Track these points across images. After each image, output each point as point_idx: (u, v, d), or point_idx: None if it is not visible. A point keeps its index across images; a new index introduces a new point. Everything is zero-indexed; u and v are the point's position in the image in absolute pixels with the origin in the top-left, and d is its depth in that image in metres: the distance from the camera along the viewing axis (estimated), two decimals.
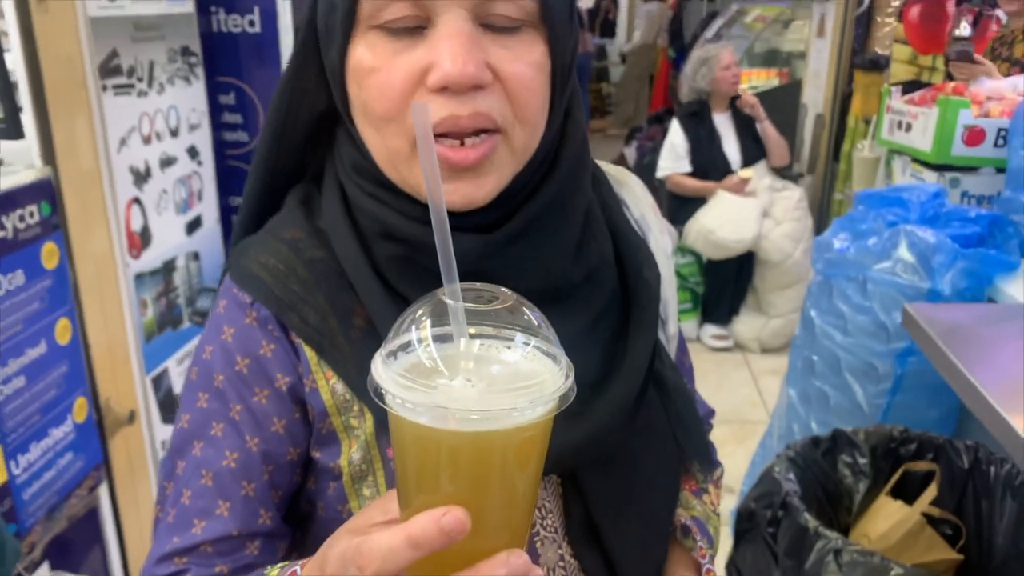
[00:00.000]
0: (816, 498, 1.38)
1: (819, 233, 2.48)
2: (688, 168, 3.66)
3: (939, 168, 2.43)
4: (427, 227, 0.48)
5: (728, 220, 3.55)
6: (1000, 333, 1.50)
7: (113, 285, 1.73)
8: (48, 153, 1.56)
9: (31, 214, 1.46)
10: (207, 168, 2.09)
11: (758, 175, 3.67)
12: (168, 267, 1.94)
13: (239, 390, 0.61)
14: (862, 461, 1.45)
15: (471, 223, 0.58)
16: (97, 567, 1.76)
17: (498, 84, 0.54)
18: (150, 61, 1.82)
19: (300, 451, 0.62)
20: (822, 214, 4.19)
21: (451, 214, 0.50)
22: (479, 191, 0.57)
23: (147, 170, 1.83)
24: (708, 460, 0.77)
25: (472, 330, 0.45)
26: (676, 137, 3.68)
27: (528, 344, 0.45)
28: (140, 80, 1.78)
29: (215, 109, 2.14)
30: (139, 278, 1.82)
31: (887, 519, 1.37)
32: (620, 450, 0.64)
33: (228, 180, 2.23)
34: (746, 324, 3.71)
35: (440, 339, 0.44)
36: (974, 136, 2.38)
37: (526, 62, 0.55)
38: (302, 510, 0.65)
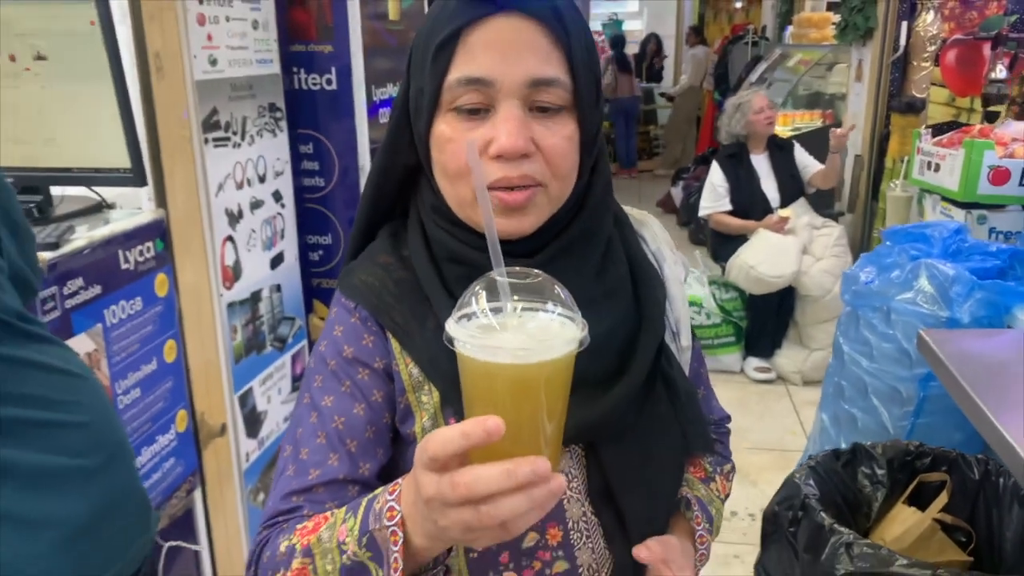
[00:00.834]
0: (835, 504, 1.52)
1: None
2: (728, 207, 3.83)
3: (966, 206, 2.56)
4: (484, 253, 0.67)
5: (768, 257, 3.69)
6: (1011, 356, 1.64)
7: (209, 312, 1.97)
8: (160, 197, 1.81)
9: (148, 249, 1.70)
10: (288, 210, 2.34)
11: (796, 213, 3.81)
12: (255, 297, 2.17)
13: (347, 371, 0.80)
14: (880, 472, 1.58)
15: (518, 250, 0.77)
16: (189, 564, 1.97)
17: (539, 153, 0.74)
18: (243, 116, 2.07)
19: (390, 418, 0.81)
20: (861, 251, 4.29)
21: (503, 242, 0.69)
22: (523, 224, 0.76)
23: (239, 212, 2.07)
24: (709, 450, 0.94)
25: (515, 298, 0.63)
26: (716, 177, 3.86)
27: (556, 309, 0.63)
28: (235, 133, 2.04)
29: (296, 158, 2.40)
30: (230, 307, 2.06)
31: (902, 524, 1.50)
32: (631, 431, 0.81)
33: (306, 221, 2.47)
34: (788, 357, 3.83)
35: (493, 308, 0.62)
36: (999, 176, 2.51)
37: (561, 136, 0.75)
38: (397, 468, 0.84)
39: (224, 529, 2.10)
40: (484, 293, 0.62)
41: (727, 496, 0.98)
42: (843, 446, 2.12)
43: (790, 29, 6.88)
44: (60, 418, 0.93)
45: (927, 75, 4.08)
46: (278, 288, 2.30)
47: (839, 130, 3.75)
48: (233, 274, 2.07)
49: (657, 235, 0.94)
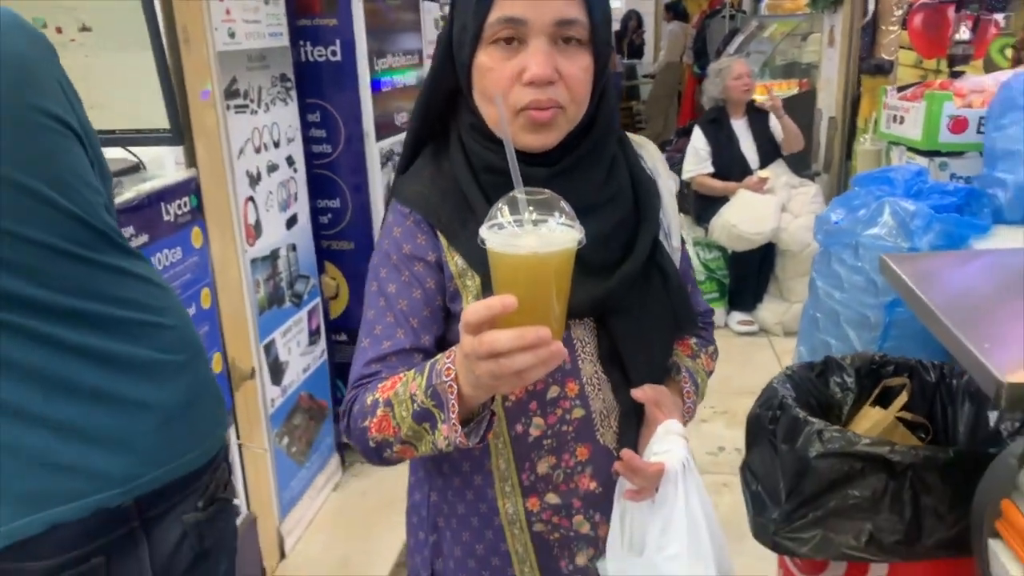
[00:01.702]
0: (810, 406, 1.71)
1: None
2: (710, 169, 4.02)
3: (929, 154, 2.76)
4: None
5: (749, 215, 3.89)
6: (962, 273, 1.84)
7: (235, 266, 2.14)
8: (191, 158, 1.98)
9: (185, 204, 1.87)
10: (300, 174, 2.51)
11: (775, 174, 4.01)
12: (274, 255, 2.35)
13: (406, 263, 0.98)
14: (849, 380, 1.78)
15: (543, 160, 0.95)
16: None
17: (562, 81, 0.91)
18: (259, 86, 2.24)
19: (442, 299, 0.99)
20: None
21: (531, 154, 0.88)
22: (548, 139, 0.94)
23: (258, 174, 2.24)
24: (695, 330, 1.14)
25: (531, 209, 0.80)
26: (698, 142, 4.04)
27: (560, 219, 0.80)
28: (252, 101, 2.20)
29: (305, 126, 2.56)
30: (253, 262, 2.23)
31: (869, 421, 1.70)
32: (632, 307, 0.99)
33: (315, 186, 2.64)
34: (769, 310, 4.04)
35: (515, 219, 0.80)
36: (958, 124, 2.71)
37: (579, 67, 0.92)
38: (446, 341, 1.02)
39: (254, 466, 2.28)
40: (507, 208, 0.80)
41: (711, 372, 1.17)
42: None
43: (765, 1, 7.06)
44: (155, 320, 1.10)
45: (895, 39, 4.27)
46: (293, 248, 2.47)
47: (771, 98, 3.99)
48: (255, 232, 2.24)
49: (653, 156, 1.12)
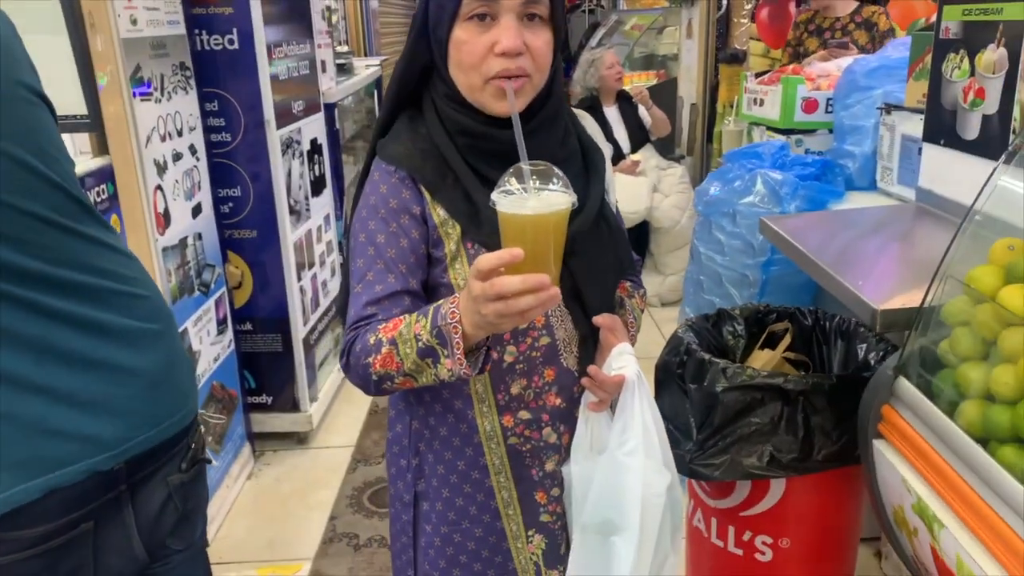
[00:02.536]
0: (711, 351, 1.93)
1: None
2: None
3: (786, 132, 3.08)
4: (487, 127, 1.01)
5: (624, 196, 4.11)
6: (827, 229, 2.12)
7: (148, 255, 2.13)
8: (103, 146, 1.96)
9: (104, 190, 1.86)
10: (203, 163, 2.50)
11: (645, 157, 4.30)
12: (183, 243, 2.34)
13: (394, 216, 1.08)
14: (739, 328, 2.01)
15: (510, 122, 1.09)
16: None
17: (528, 52, 1.04)
18: (161, 74, 2.23)
19: (426, 248, 1.10)
20: None
21: (501, 120, 1.01)
22: (517, 104, 1.06)
23: (165, 163, 2.23)
24: (632, 270, 1.32)
25: (533, 178, 0.94)
26: None
27: (557, 185, 0.95)
28: (156, 89, 2.19)
29: (204, 115, 2.55)
30: (164, 251, 2.22)
31: (759, 362, 1.93)
32: (589, 250, 1.14)
33: (216, 174, 2.64)
34: (647, 283, 4.29)
35: (522, 187, 0.94)
36: (810, 105, 3.04)
37: (543, 40, 1.05)
38: (427, 286, 1.13)
39: None
40: (514, 178, 0.95)
41: (643, 309, 1.36)
42: None
43: None
44: (131, 290, 1.14)
45: (746, 30, 4.66)
46: (199, 236, 2.47)
47: (636, 89, 4.31)
48: (164, 221, 2.23)
49: (591, 127, 1.28)
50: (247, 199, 2.73)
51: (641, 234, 4.31)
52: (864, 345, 1.86)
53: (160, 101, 2.21)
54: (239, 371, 2.78)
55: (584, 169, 1.18)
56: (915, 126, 2.23)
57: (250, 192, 2.72)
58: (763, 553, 1.75)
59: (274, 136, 2.66)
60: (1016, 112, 1.74)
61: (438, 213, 1.10)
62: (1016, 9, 1.70)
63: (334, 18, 4.90)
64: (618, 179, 4.18)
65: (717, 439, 1.70)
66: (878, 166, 2.55)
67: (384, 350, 1.02)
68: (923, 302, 1.34)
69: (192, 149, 2.43)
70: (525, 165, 0.95)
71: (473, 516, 1.21)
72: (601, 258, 1.17)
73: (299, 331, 2.93)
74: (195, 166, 2.45)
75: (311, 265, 3.11)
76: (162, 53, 2.24)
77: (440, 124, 1.10)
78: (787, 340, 1.96)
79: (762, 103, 3.21)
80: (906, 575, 1.58)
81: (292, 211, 2.86)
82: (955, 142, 1.97)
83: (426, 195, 1.10)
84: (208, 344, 2.52)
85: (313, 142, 3.13)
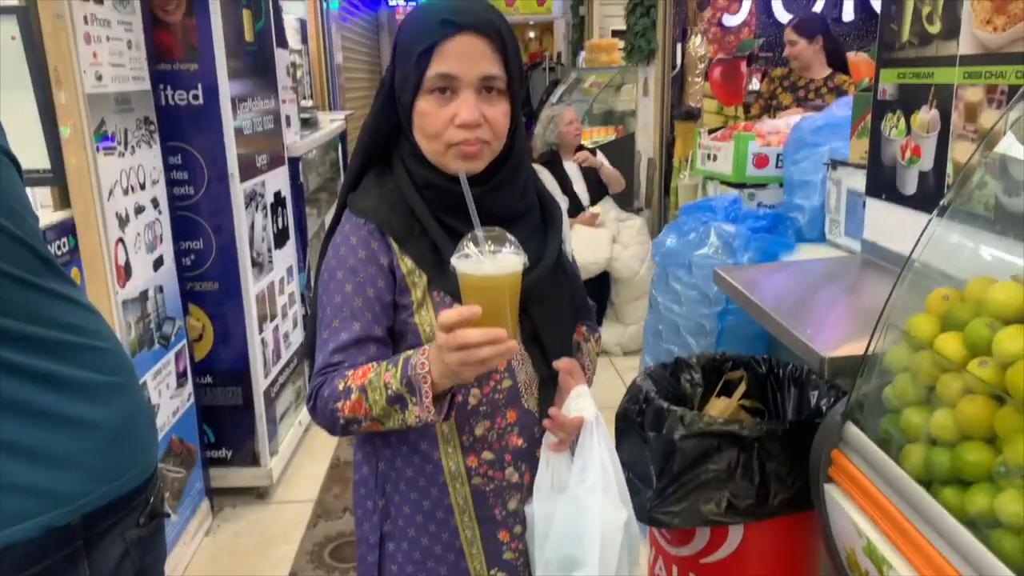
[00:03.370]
0: (669, 399, 1.97)
1: None
2: None
3: (738, 186, 3.18)
4: (451, 183, 1.07)
5: (585, 247, 4.22)
6: (777, 279, 2.19)
7: (108, 308, 2.13)
8: (65, 200, 1.97)
9: (64, 244, 1.86)
10: (165, 216, 2.51)
11: (605, 209, 4.39)
12: (143, 296, 2.33)
13: (362, 266, 1.13)
14: (696, 376, 2.05)
15: (474, 181, 1.12)
16: None
17: (486, 123, 1.10)
18: (124, 128, 2.25)
19: (392, 297, 1.14)
20: None
21: (466, 177, 1.06)
22: (476, 166, 1.12)
23: (127, 216, 2.24)
24: (588, 315, 1.37)
25: (488, 243, 1.00)
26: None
27: (510, 249, 1.01)
28: (120, 143, 2.21)
29: (167, 168, 2.57)
30: (124, 304, 2.22)
31: (716, 409, 1.97)
32: (547, 297, 1.19)
33: (178, 226, 2.64)
34: (608, 333, 4.38)
35: (479, 250, 1.00)
36: (761, 160, 3.15)
37: (500, 112, 1.12)
38: (394, 331, 1.17)
39: None
40: (471, 243, 1.01)
41: (599, 352, 1.41)
42: None
43: (583, 54, 7.64)
44: (92, 343, 1.15)
45: (700, 88, 4.83)
46: (160, 289, 2.46)
47: (580, 154, 4.40)
48: (125, 274, 2.23)
49: (548, 181, 1.34)
50: (209, 251, 2.74)
51: (602, 284, 4.38)
52: (816, 392, 1.92)
53: (123, 155, 2.23)
54: (198, 425, 2.75)
55: (542, 222, 1.24)
56: (859, 180, 2.33)
57: (212, 244, 2.73)
58: None
59: (237, 189, 2.69)
60: (950, 168, 1.84)
61: (405, 263, 1.14)
62: (946, 73, 1.81)
63: (299, 73, 4.98)
64: (579, 231, 4.26)
65: (676, 486, 1.73)
66: (826, 219, 2.65)
67: (353, 396, 1.06)
68: (867, 350, 1.40)
69: (155, 202, 2.44)
70: (479, 232, 1.02)
71: (438, 555, 1.24)
72: (559, 304, 1.23)
73: (260, 384, 2.92)
74: (157, 219, 2.46)
75: (273, 317, 3.10)
76: (126, 108, 2.26)
77: (409, 178, 1.15)
78: (742, 388, 2.01)
79: (716, 158, 3.31)
80: None
81: (255, 263, 2.87)
82: (895, 196, 2.06)
83: (394, 246, 1.14)
84: (167, 397, 2.49)
85: (277, 195, 3.16)
